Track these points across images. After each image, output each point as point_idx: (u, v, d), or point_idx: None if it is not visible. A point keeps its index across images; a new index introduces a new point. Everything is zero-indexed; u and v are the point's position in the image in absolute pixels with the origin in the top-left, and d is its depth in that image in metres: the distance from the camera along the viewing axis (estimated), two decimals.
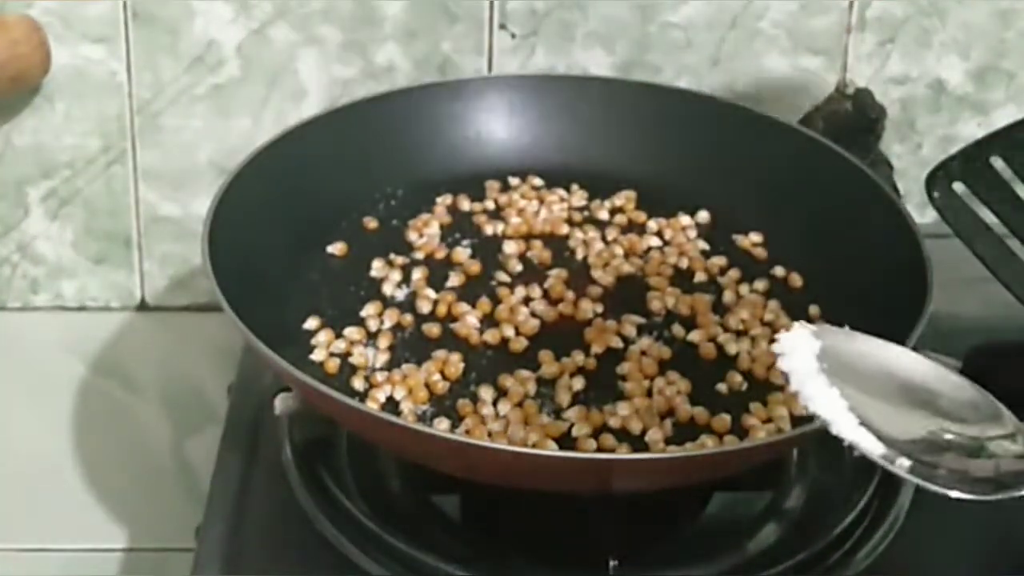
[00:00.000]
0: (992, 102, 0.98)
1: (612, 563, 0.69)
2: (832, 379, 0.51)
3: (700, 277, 0.81)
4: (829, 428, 0.50)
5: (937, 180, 0.84)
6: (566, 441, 0.70)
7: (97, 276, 1.00)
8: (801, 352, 0.51)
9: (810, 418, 0.70)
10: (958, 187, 0.84)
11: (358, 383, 0.74)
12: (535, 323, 0.77)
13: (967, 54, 0.97)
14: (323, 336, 0.75)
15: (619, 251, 0.82)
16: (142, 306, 1.01)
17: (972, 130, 0.98)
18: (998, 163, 0.84)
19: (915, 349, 0.68)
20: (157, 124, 0.96)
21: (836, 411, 0.50)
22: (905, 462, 0.50)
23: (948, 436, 0.51)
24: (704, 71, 0.95)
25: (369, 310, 0.77)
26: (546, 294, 0.79)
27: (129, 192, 0.98)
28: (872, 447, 0.50)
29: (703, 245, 0.83)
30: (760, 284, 0.80)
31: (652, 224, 0.84)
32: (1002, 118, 0.95)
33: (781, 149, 0.85)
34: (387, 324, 0.77)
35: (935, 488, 0.50)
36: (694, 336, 0.77)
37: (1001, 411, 0.53)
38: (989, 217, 0.84)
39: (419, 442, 0.67)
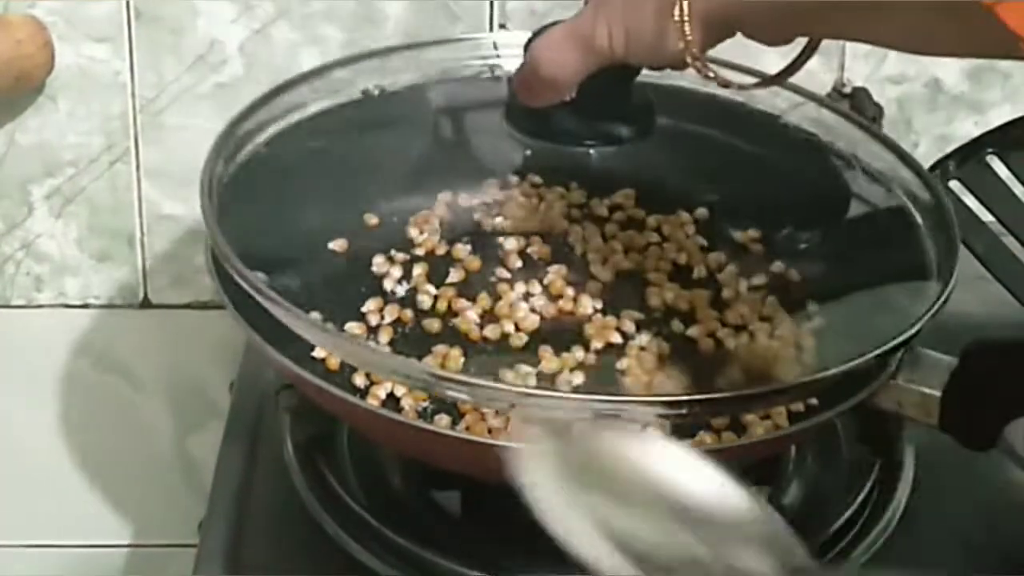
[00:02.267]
0: (988, 101, 0.99)
1: None
2: (583, 495, 0.44)
3: (699, 273, 0.81)
4: (582, 560, 0.44)
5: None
6: None
7: (100, 274, 1.00)
8: (542, 469, 0.44)
9: (808, 414, 0.71)
10: (954, 185, 0.85)
11: (359, 379, 0.74)
12: (535, 319, 0.77)
13: None
14: None
15: (618, 247, 0.82)
16: (145, 303, 1.01)
17: (968, 129, 0.98)
18: (994, 161, 0.85)
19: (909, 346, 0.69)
20: (160, 123, 0.97)
21: (586, 538, 0.44)
22: None
23: (701, 554, 0.44)
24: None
25: (370, 306, 0.77)
26: (546, 290, 0.79)
27: (132, 190, 0.98)
28: None
29: (701, 241, 0.83)
30: (758, 280, 0.80)
31: (651, 220, 0.84)
32: (998, 117, 0.95)
33: (779, 146, 0.85)
34: (388, 320, 0.77)
35: None
36: (693, 331, 0.77)
37: (791, 541, 0.46)
38: (985, 215, 0.85)
39: (419, 438, 0.67)
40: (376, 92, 0.84)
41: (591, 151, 0.80)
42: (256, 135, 0.81)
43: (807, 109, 0.84)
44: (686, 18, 0.63)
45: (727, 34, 0.66)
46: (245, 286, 0.68)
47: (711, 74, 0.67)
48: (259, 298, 0.68)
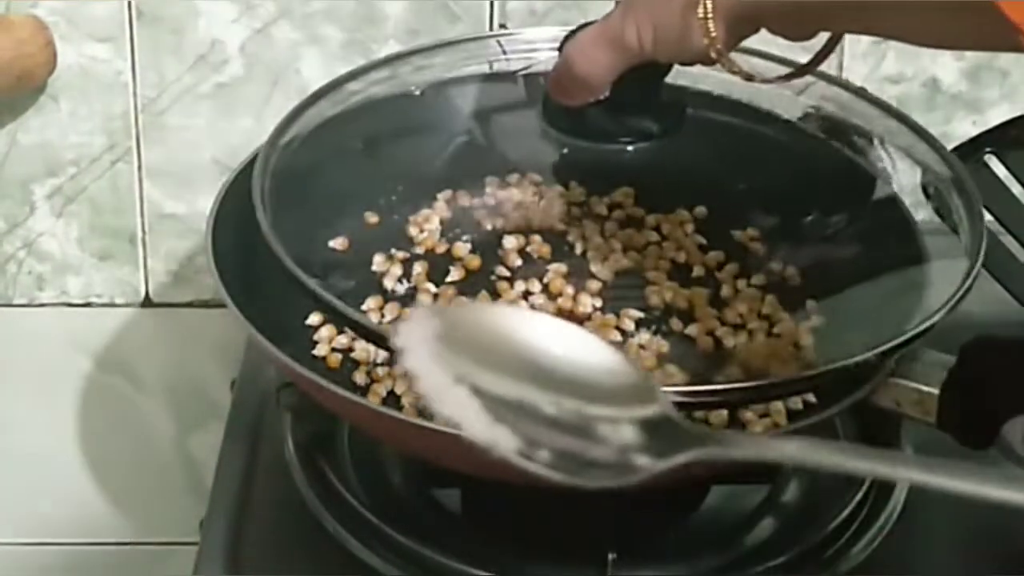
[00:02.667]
0: (986, 101, 0.99)
1: (611, 556, 0.70)
2: (458, 364, 0.46)
3: (698, 271, 0.81)
4: (463, 432, 0.46)
5: None
6: None
7: (102, 273, 1.00)
8: (420, 344, 0.47)
9: (806, 412, 0.72)
10: None
11: (360, 378, 0.74)
12: None
13: (961, 53, 0.97)
14: (325, 331, 0.76)
15: (617, 246, 0.82)
16: (146, 302, 1.01)
17: (967, 128, 0.98)
18: (992, 160, 0.85)
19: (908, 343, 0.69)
20: (161, 122, 0.97)
21: (466, 410, 0.46)
22: (544, 455, 0.46)
23: (552, 410, 0.47)
24: (702, 69, 0.95)
25: (370, 304, 0.78)
26: (545, 288, 0.79)
27: (134, 190, 0.99)
28: (508, 446, 0.46)
29: (700, 240, 0.83)
30: (757, 279, 0.80)
31: (650, 219, 0.84)
32: (996, 116, 0.95)
33: (778, 145, 0.85)
34: (388, 318, 0.77)
35: (555, 476, 0.46)
36: (692, 330, 0.77)
37: (655, 392, 0.48)
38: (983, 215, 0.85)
39: (420, 436, 0.67)
40: (418, 92, 0.84)
41: (628, 147, 0.80)
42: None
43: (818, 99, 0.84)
44: (710, 15, 0.65)
45: (751, 30, 0.67)
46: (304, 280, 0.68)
47: (736, 69, 0.68)
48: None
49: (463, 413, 0.46)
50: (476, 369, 0.47)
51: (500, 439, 0.46)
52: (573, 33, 0.73)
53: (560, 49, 0.74)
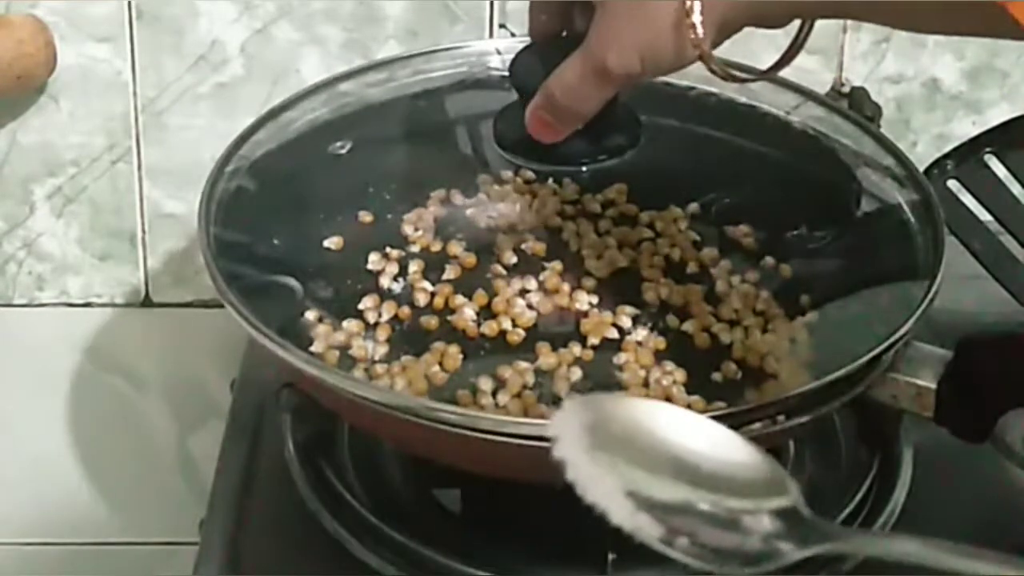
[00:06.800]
0: (986, 100, 0.99)
1: (611, 556, 0.70)
2: (606, 456, 0.50)
3: (692, 268, 0.80)
4: (608, 519, 0.49)
5: (932, 178, 0.84)
6: None
7: (102, 273, 1.01)
8: (571, 434, 0.50)
9: (805, 409, 0.71)
10: (953, 184, 0.85)
11: (358, 375, 0.74)
12: (531, 315, 0.76)
13: (961, 53, 0.97)
14: (322, 328, 0.76)
15: (612, 243, 0.81)
16: (146, 302, 1.02)
17: (967, 128, 0.98)
18: (992, 160, 0.85)
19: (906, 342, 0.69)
20: (161, 122, 0.97)
21: (613, 499, 0.49)
22: (684, 542, 0.49)
23: (703, 506, 0.50)
24: (700, 69, 0.95)
25: (367, 303, 0.77)
26: (541, 286, 0.79)
27: (134, 190, 0.99)
28: (651, 533, 0.49)
29: (694, 236, 0.82)
30: (751, 275, 0.79)
31: (643, 216, 0.84)
32: (996, 116, 0.95)
33: (775, 143, 0.85)
34: (385, 316, 0.76)
35: (694, 563, 0.49)
36: (688, 326, 0.76)
37: (787, 485, 0.51)
38: (983, 214, 0.85)
39: (418, 433, 0.67)
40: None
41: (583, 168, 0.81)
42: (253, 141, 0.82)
43: (804, 107, 0.84)
44: (701, 34, 0.65)
45: (736, 31, 0.68)
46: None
47: (723, 73, 0.68)
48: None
49: (608, 502, 0.49)
50: (624, 462, 0.50)
51: (643, 526, 0.49)
52: (517, 58, 0.74)
53: (510, 74, 0.75)
